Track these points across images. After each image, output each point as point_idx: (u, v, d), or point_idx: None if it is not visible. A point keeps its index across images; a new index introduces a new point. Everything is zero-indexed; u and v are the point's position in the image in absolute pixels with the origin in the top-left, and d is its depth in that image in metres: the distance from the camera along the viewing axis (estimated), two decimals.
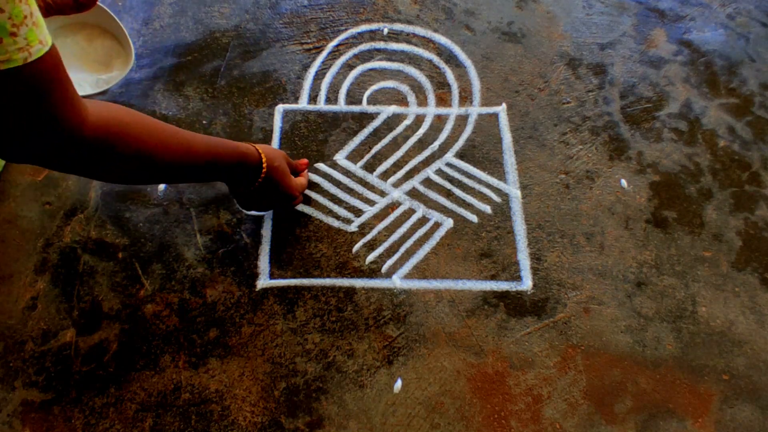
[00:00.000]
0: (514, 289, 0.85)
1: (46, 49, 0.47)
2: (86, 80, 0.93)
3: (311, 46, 1.08)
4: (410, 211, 0.92)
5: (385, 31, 1.10)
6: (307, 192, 0.93)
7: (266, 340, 0.81)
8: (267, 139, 0.98)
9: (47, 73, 0.48)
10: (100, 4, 0.86)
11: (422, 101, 1.03)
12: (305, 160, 0.93)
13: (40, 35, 0.46)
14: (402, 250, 0.88)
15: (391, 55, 1.08)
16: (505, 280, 0.86)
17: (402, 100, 1.03)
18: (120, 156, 0.59)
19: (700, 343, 0.82)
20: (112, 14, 0.92)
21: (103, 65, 0.96)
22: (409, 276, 0.86)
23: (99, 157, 0.57)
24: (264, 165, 0.76)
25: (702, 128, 1.01)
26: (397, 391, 0.78)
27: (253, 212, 0.91)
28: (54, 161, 0.56)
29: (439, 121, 1.01)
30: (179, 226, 0.90)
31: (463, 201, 0.93)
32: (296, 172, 0.90)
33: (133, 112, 0.61)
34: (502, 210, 0.92)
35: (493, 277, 0.86)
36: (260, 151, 0.76)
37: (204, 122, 1.00)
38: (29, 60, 0.45)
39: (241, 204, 0.85)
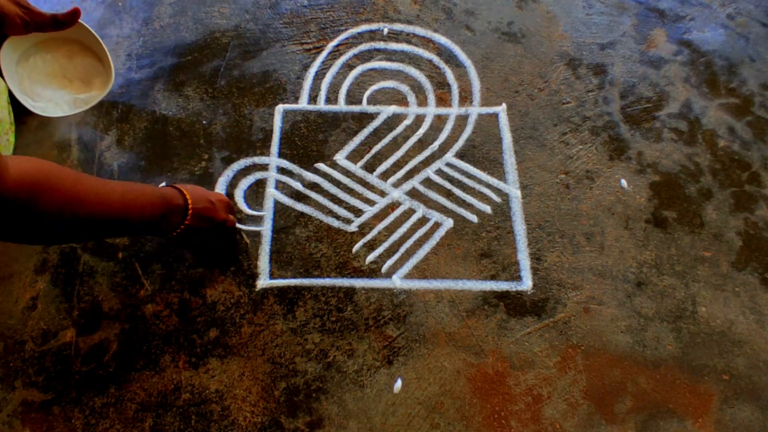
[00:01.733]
0: (514, 289, 0.85)
1: None
2: (64, 99, 0.93)
3: (311, 46, 1.08)
4: (410, 211, 0.92)
5: (385, 31, 1.10)
6: (308, 192, 0.93)
7: (266, 340, 0.81)
8: (267, 139, 0.98)
9: None
10: (81, 22, 0.85)
11: (422, 101, 1.03)
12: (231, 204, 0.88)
13: None
14: (402, 250, 0.88)
15: (391, 55, 1.08)
16: (505, 280, 0.86)
17: (402, 100, 1.03)
18: (44, 211, 0.55)
19: (700, 343, 0.82)
20: (93, 32, 0.91)
21: (82, 84, 0.95)
22: (409, 276, 0.86)
23: (21, 215, 0.53)
24: (189, 206, 0.74)
25: (702, 128, 1.01)
26: (397, 391, 0.78)
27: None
28: None
29: (439, 121, 1.01)
30: None
31: (463, 201, 0.93)
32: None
33: (54, 165, 0.58)
34: (502, 210, 0.92)
35: (493, 277, 0.86)
36: (185, 191, 0.74)
37: (204, 122, 1.00)
38: None
39: (177, 243, 0.84)
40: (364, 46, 1.08)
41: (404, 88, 1.04)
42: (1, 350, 0.80)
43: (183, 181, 0.93)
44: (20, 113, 0.98)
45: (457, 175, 0.95)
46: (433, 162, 0.96)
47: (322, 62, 1.06)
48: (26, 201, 0.53)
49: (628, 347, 0.81)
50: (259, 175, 0.95)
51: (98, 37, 0.92)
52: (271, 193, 0.93)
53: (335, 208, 0.92)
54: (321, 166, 0.96)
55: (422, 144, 0.98)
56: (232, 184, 0.94)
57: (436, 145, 0.98)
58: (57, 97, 0.93)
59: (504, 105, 1.02)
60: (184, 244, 0.86)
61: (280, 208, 0.92)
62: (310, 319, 0.83)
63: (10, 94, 0.91)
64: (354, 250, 0.88)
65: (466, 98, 1.03)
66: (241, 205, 0.92)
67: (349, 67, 1.06)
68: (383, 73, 1.06)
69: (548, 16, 1.13)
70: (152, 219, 0.69)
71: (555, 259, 0.88)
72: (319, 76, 1.05)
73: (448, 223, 0.91)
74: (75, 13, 0.79)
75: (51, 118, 0.98)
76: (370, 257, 0.88)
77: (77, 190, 0.59)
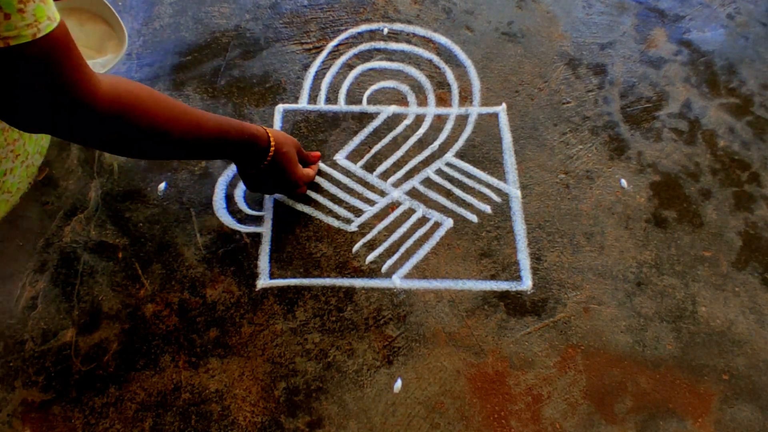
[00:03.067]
0: (514, 289, 0.85)
1: (55, 24, 0.48)
2: None
3: (311, 46, 1.08)
4: (410, 211, 0.92)
5: (385, 31, 1.10)
6: (308, 192, 0.93)
7: (266, 340, 0.81)
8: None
9: (57, 48, 0.49)
10: None
11: (422, 101, 1.03)
12: (318, 153, 0.94)
13: (48, 11, 0.47)
14: (402, 249, 0.88)
15: (391, 55, 1.08)
16: (505, 280, 0.86)
17: (402, 100, 1.03)
18: (132, 128, 0.60)
19: (700, 343, 0.82)
20: None
21: (96, 50, 0.95)
22: (409, 276, 0.86)
23: (111, 129, 0.58)
24: (271, 149, 0.78)
25: (702, 128, 1.01)
26: (397, 391, 0.78)
27: (257, 193, 0.92)
28: (68, 132, 0.58)
29: (439, 121, 1.01)
30: (179, 226, 0.90)
31: (463, 201, 0.93)
32: (306, 163, 0.91)
33: (146, 87, 0.62)
34: (502, 210, 0.92)
35: (493, 277, 0.86)
36: (270, 135, 0.78)
37: None
38: (38, 36, 0.46)
39: (247, 184, 0.86)
40: (364, 46, 1.08)
41: (404, 88, 1.04)
42: (1, 350, 0.80)
43: (183, 181, 0.94)
44: None
45: (457, 174, 0.95)
46: (433, 162, 0.97)
47: (322, 62, 1.06)
48: (116, 117, 0.57)
49: (628, 347, 0.81)
50: None
51: (105, 1, 0.92)
52: None
53: (335, 208, 0.92)
54: (321, 165, 0.96)
55: (422, 144, 0.98)
56: (232, 184, 0.94)
57: (436, 144, 0.98)
58: None
59: (504, 105, 1.02)
60: (257, 186, 0.86)
61: (280, 208, 0.92)
62: (310, 318, 0.83)
63: None
64: (354, 250, 0.88)
65: (466, 98, 1.03)
66: (241, 205, 0.92)
67: (349, 66, 1.06)
68: (383, 73, 1.06)
69: (548, 16, 1.13)
70: (234, 146, 0.74)
71: (555, 259, 0.88)
72: (319, 76, 1.05)
73: (448, 222, 0.91)
74: None
75: None
76: (370, 257, 0.88)
77: (164, 110, 0.64)
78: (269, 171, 0.80)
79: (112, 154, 0.70)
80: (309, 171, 0.90)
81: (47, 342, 0.81)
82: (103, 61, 0.93)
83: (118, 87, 0.57)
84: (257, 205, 0.92)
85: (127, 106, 0.58)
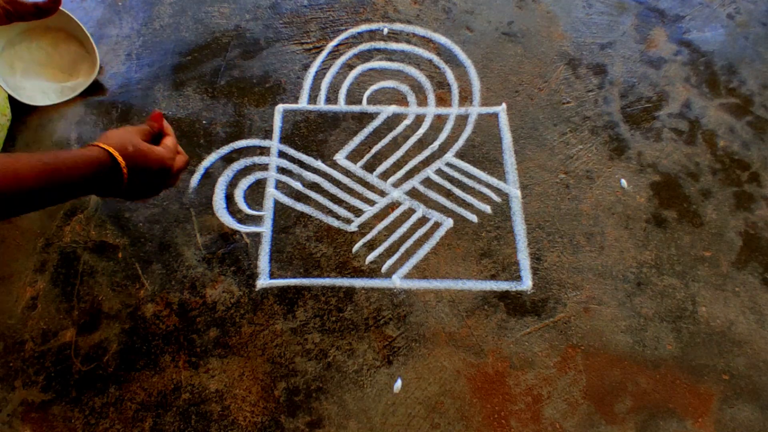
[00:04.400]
0: (514, 289, 0.85)
1: None
2: (51, 89, 0.93)
3: (311, 46, 1.08)
4: (410, 211, 0.92)
5: (385, 31, 1.10)
6: (308, 192, 0.93)
7: (266, 340, 0.81)
8: (267, 138, 0.98)
9: None
10: (63, 9, 0.85)
11: (422, 101, 1.03)
12: (156, 113, 0.72)
13: None
14: (402, 249, 0.88)
15: (391, 55, 1.08)
16: (505, 280, 0.86)
17: (402, 100, 1.03)
18: None
19: (700, 343, 0.82)
20: (76, 19, 0.91)
21: (68, 72, 0.95)
22: (409, 276, 0.86)
23: None
24: (120, 160, 0.63)
25: (702, 128, 1.01)
26: (397, 391, 0.78)
27: (138, 200, 0.81)
28: None
29: (439, 121, 1.01)
30: (179, 226, 0.90)
31: (463, 201, 0.93)
32: (158, 139, 0.72)
33: None
34: (502, 210, 0.92)
35: (493, 277, 0.86)
36: (109, 149, 0.63)
37: (204, 122, 1.00)
38: None
39: (128, 199, 0.70)
40: (364, 46, 1.08)
41: (404, 87, 1.04)
42: (1, 350, 0.80)
43: (183, 181, 0.93)
44: (21, 113, 0.98)
45: (457, 174, 0.95)
46: (433, 162, 0.96)
47: (322, 62, 1.06)
48: None
49: (628, 347, 0.81)
50: (259, 175, 0.95)
51: (81, 24, 0.92)
52: (271, 193, 0.93)
53: (335, 208, 0.92)
54: (321, 165, 0.96)
55: (422, 144, 0.98)
56: (232, 184, 0.94)
57: (436, 144, 0.98)
58: (44, 86, 0.93)
59: (504, 105, 1.02)
60: (135, 196, 0.70)
61: (280, 208, 0.92)
62: (310, 318, 0.83)
63: None
64: (354, 250, 0.88)
65: (466, 98, 1.03)
66: (241, 205, 0.92)
67: (349, 66, 1.06)
68: (383, 73, 1.06)
69: (548, 16, 1.13)
70: (79, 182, 0.61)
71: (555, 259, 0.88)
72: (319, 75, 1.05)
73: (448, 223, 0.91)
74: (56, 1, 0.78)
75: (51, 117, 0.98)
76: (370, 257, 0.88)
77: None
78: (134, 184, 0.66)
79: None
80: (166, 143, 0.71)
81: (47, 342, 0.81)
82: (72, 84, 0.93)
83: None
84: (257, 205, 0.92)
85: None
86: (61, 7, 0.80)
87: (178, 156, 0.71)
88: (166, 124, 0.73)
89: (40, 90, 0.93)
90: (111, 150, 0.64)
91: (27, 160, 0.58)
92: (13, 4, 0.76)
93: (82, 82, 0.93)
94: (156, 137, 0.72)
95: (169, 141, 0.72)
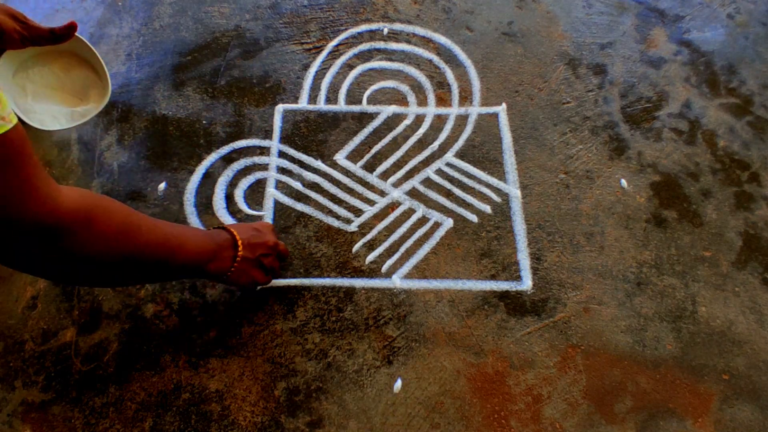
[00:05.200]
0: (514, 289, 0.85)
1: (10, 126, 0.44)
2: (62, 113, 0.93)
3: (311, 46, 1.08)
4: (410, 211, 0.92)
5: (385, 31, 1.10)
6: (308, 192, 0.93)
7: (266, 340, 0.81)
8: (267, 138, 0.98)
9: (13, 148, 0.44)
10: (78, 35, 0.85)
11: (422, 101, 1.03)
12: (285, 248, 0.82)
13: (2, 112, 0.43)
14: (402, 249, 0.88)
15: (391, 55, 1.08)
16: (505, 280, 0.86)
17: (402, 100, 1.03)
18: (99, 237, 0.53)
19: (700, 343, 0.82)
20: (89, 44, 0.91)
21: (78, 97, 0.95)
22: (409, 276, 0.86)
23: (75, 244, 0.51)
24: (240, 248, 0.72)
25: (702, 128, 1.01)
26: (397, 391, 0.78)
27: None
28: (25, 252, 0.49)
29: (439, 120, 1.01)
30: None
31: (463, 201, 0.93)
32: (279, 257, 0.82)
33: (105, 197, 0.57)
34: (502, 210, 0.92)
35: (493, 277, 0.86)
36: (234, 232, 0.72)
37: (204, 122, 1.00)
38: None
39: (234, 285, 0.78)
40: (364, 46, 1.08)
41: (404, 88, 1.04)
42: (1, 350, 0.80)
43: (183, 181, 0.94)
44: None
45: (457, 174, 0.95)
46: (433, 162, 0.97)
47: (322, 62, 1.06)
48: (79, 227, 0.50)
49: (628, 347, 0.81)
50: (259, 175, 0.95)
51: (94, 49, 0.92)
52: (271, 193, 0.93)
53: (335, 208, 0.92)
54: (321, 165, 0.96)
55: (422, 144, 0.98)
56: (232, 184, 0.94)
57: (436, 144, 0.98)
58: (54, 110, 0.93)
59: (504, 105, 1.02)
60: (247, 282, 0.78)
61: (280, 208, 0.92)
62: (310, 318, 0.83)
63: None
64: (354, 250, 0.88)
65: (466, 98, 1.03)
66: (241, 205, 0.92)
67: (349, 66, 1.06)
68: (383, 73, 1.06)
69: (548, 16, 1.13)
70: (202, 257, 0.67)
71: (555, 259, 0.88)
72: (319, 75, 1.05)
73: (448, 222, 0.91)
74: (71, 27, 0.80)
75: None
76: (370, 257, 0.88)
77: (130, 221, 0.57)
78: (239, 271, 0.74)
79: (73, 285, 0.64)
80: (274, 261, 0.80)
81: (47, 342, 0.81)
82: (83, 110, 0.93)
83: (79, 193, 0.51)
84: (257, 205, 0.92)
85: (93, 211, 0.51)
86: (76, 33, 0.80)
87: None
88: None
89: (51, 114, 0.93)
90: (236, 234, 0.72)
91: (162, 223, 0.64)
92: (29, 30, 0.77)
93: (92, 108, 0.93)
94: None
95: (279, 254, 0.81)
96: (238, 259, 0.72)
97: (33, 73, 0.93)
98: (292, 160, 0.96)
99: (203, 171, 0.95)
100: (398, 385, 0.78)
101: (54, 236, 0.49)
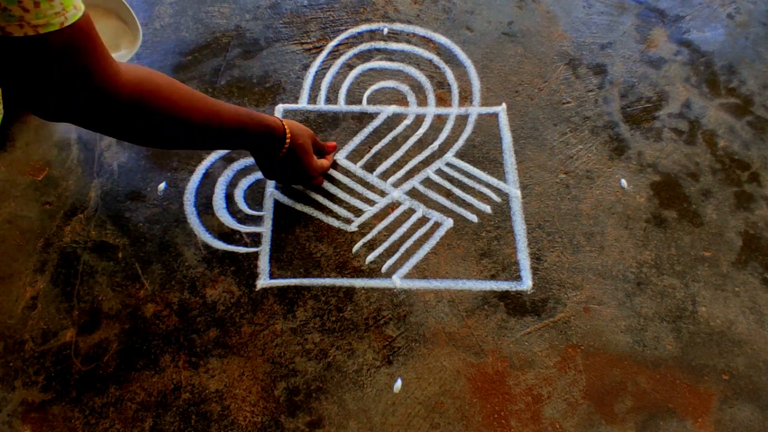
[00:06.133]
0: (514, 289, 0.85)
1: (80, 14, 0.50)
2: None
3: (311, 45, 1.08)
4: (410, 211, 0.92)
5: (385, 31, 1.10)
6: (307, 191, 0.93)
7: (266, 340, 0.81)
8: None
9: (82, 37, 0.51)
10: None
11: (422, 101, 1.03)
12: (333, 143, 0.96)
13: (75, 1, 0.49)
14: (402, 249, 0.88)
15: (391, 55, 1.08)
16: (505, 280, 0.86)
17: (402, 100, 1.03)
18: (152, 115, 0.61)
19: (700, 343, 0.82)
20: None
21: (110, 47, 0.95)
22: (409, 276, 0.86)
23: (132, 116, 0.60)
24: (287, 139, 0.79)
25: (702, 128, 1.01)
26: (397, 391, 0.78)
27: (274, 182, 0.93)
28: (90, 119, 0.59)
29: (439, 120, 1.01)
30: (179, 226, 0.90)
31: (463, 201, 0.93)
32: (322, 153, 0.92)
33: (165, 76, 0.63)
34: (502, 210, 0.92)
35: (493, 277, 0.86)
36: (286, 126, 0.79)
37: None
38: (65, 24, 0.48)
39: (264, 173, 0.87)
40: (364, 46, 1.08)
41: (404, 88, 1.04)
42: (1, 350, 0.80)
43: (183, 181, 0.94)
44: (20, 113, 0.98)
45: (457, 174, 0.95)
46: (433, 162, 0.97)
47: (322, 62, 1.06)
48: (137, 103, 0.58)
49: (628, 347, 0.81)
50: (259, 175, 0.95)
51: None
52: (271, 193, 0.93)
53: (335, 207, 0.92)
54: None
55: (422, 144, 0.98)
56: (232, 184, 0.94)
57: (436, 144, 0.98)
58: None
59: (504, 105, 1.02)
60: (274, 175, 0.88)
61: (280, 208, 0.92)
62: (310, 318, 0.83)
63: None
64: (354, 250, 0.88)
65: (466, 98, 1.03)
66: (241, 205, 0.92)
67: (349, 66, 1.06)
68: (383, 73, 1.06)
69: (548, 16, 1.13)
70: (251, 137, 0.75)
71: (555, 259, 0.88)
72: (319, 75, 1.05)
73: (448, 222, 0.91)
74: None
75: None
76: (370, 257, 0.88)
77: (184, 98, 0.65)
78: (285, 161, 0.81)
79: (132, 143, 0.73)
80: (324, 162, 0.91)
81: (47, 342, 0.81)
82: (117, 56, 0.93)
83: (139, 75, 0.59)
84: (257, 205, 0.92)
85: (147, 93, 0.59)
86: None
87: (321, 176, 0.92)
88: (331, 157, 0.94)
89: None
90: (287, 129, 0.79)
91: (227, 106, 0.72)
92: None
93: (125, 53, 0.93)
94: (320, 153, 0.91)
95: (327, 162, 0.92)
96: (281, 153, 0.80)
97: None
98: None
99: (203, 171, 0.95)
100: (398, 385, 0.78)
101: (120, 107, 0.58)
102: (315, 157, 0.87)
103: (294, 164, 0.83)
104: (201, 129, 0.68)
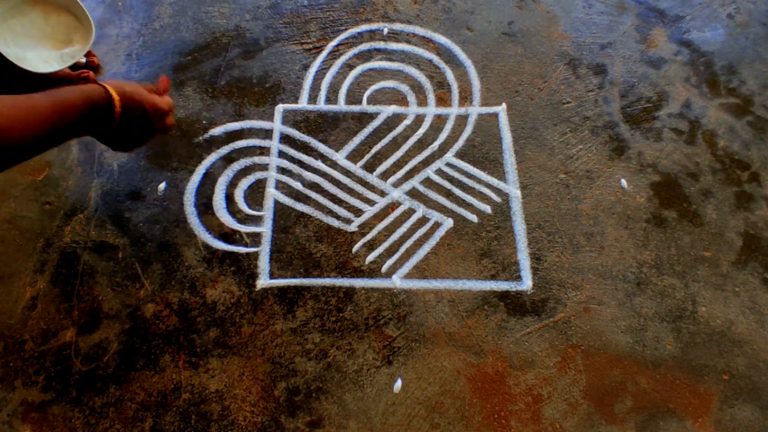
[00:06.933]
0: (514, 289, 0.85)
1: None
2: (51, 56, 0.92)
3: (311, 46, 1.08)
4: (410, 211, 0.92)
5: (385, 31, 1.10)
6: (308, 192, 0.93)
7: (266, 340, 0.81)
8: (267, 138, 0.98)
9: None
10: None
11: (422, 101, 1.03)
12: (165, 78, 0.80)
13: None
14: (402, 250, 0.88)
15: (391, 55, 1.08)
16: (505, 280, 0.86)
17: (402, 100, 1.03)
18: None
19: (700, 343, 0.82)
20: None
21: (62, 42, 0.94)
22: (409, 276, 0.86)
23: None
24: (116, 101, 0.68)
25: (702, 128, 1.01)
26: (397, 391, 0.78)
27: (126, 151, 0.78)
28: None
29: (439, 121, 1.01)
30: (179, 226, 0.90)
31: (463, 201, 0.93)
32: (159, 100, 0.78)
33: None
34: (502, 210, 0.92)
35: (493, 277, 0.86)
36: (109, 88, 0.68)
37: (204, 122, 1.00)
38: None
39: (114, 146, 0.74)
40: (364, 46, 1.08)
41: (404, 88, 1.04)
42: (1, 350, 0.80)
43: (183, 181, 0.93)
44: None
45: (457, 174, 0.95)
46: (433, 162, 0.96)
47: (322, 62, 1.06)
48: None
49: (628, 347, 0.81)
50: (259, 175, 0.95)
51: None
52: (271, 193, 0.93)
53: (335, 208, 0.92)
54: (321, 166, 0.96)
55: (422, 144, 0.98)
56: (232, 184, 0.94)
57: (436, 144, 0.98)
58: (44, 55, 0.92)
59: (504, 105, 1.02)
60: (125, 142, 0.73)
61: (280, 208, 0.92)
62: (310, 319, 0.83)
63: None
64: (354, 250, 0.88)
65: (466, 98, 1.03)
66: (241, 205, 0.92)
67: (349, 66, 1.06)
68: (383, 73, 1.06)
69: (548, 16, 1.13)
70: (80, 118, 0.65)
71: (555, 259, 0.88)
72: (319, 75, 1.05)
73: (448, 223, 0.91)
74: None
75: None
76: (370, 257, 0.88)
77: (5, 113, 0.57)
78: (127, 123, 0.71)
79: None
80: (166, 98, 0.77)
81: (47, 342, 0.81)
82: (71, 51, 0.93)
83: None
84: (257, 205, 0.92)
85: None
86: None
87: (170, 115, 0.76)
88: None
89: (41, 59, 0.92)
90: (108, 86, 0.67)
91: (39, 97, 0.61)
92: None
93: (79, 49, 0.93)
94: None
95: (169, 100, 0.76)
96: (116, 116, 0.68)
97: (14, 25, 0.93)
98: (292, 160, 0.96)
99: (203, 171, 0.95)
100: (398, 385, 0.78)
101: None
102: (155, 97, 0.74)
103: (138, 120, 0.72)
104: (23, 137, 0.59)
